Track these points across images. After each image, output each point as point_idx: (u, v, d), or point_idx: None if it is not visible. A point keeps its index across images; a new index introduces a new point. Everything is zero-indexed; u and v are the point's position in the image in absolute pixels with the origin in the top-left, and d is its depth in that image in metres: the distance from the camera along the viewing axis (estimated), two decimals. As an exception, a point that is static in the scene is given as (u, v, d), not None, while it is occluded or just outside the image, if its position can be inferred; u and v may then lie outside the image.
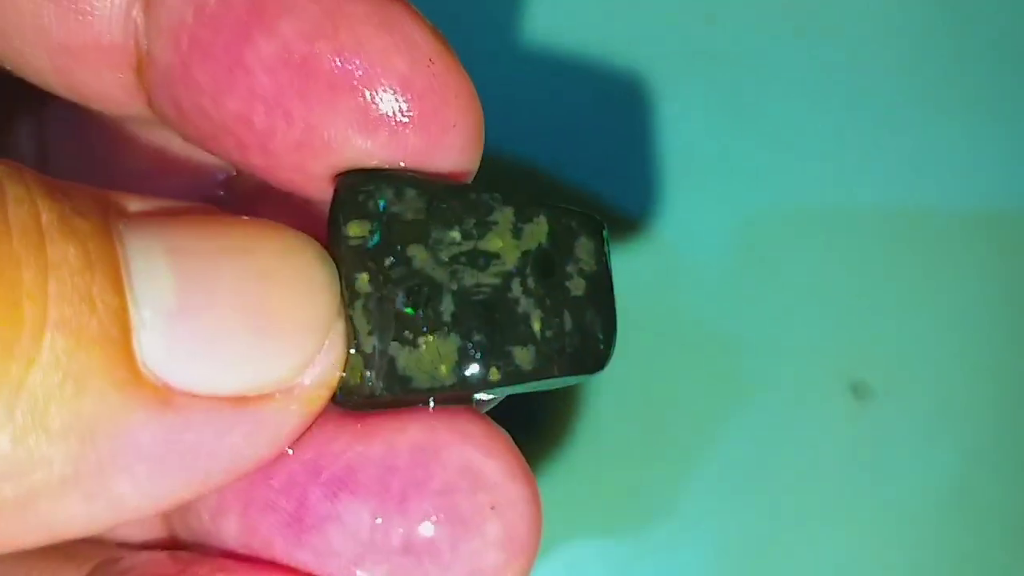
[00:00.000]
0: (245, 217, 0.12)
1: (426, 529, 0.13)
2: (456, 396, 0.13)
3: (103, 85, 0.14)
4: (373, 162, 0.13)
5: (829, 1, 0.31)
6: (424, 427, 0.13)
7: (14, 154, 0.17)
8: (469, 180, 0.14)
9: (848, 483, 0.29)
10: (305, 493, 0.13)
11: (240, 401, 0.11)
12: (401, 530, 0.13)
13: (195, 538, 0.14)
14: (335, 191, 0.13)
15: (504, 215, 0.13)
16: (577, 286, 0.13)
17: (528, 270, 0.13)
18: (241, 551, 0.13)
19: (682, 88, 0.30)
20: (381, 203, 0.13)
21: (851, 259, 0.30)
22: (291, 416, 0.12)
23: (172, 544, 0.14)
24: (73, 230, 0.10)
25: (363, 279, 0.13)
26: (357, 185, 0.13)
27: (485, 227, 0.13)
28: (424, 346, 0.13)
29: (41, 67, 0.14)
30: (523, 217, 0.13)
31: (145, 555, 0.14)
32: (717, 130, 0.30)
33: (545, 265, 0.13)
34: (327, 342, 0.12)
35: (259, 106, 0.13)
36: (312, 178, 0.13)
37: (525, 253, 0.13)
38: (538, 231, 0.13)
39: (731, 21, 0.31)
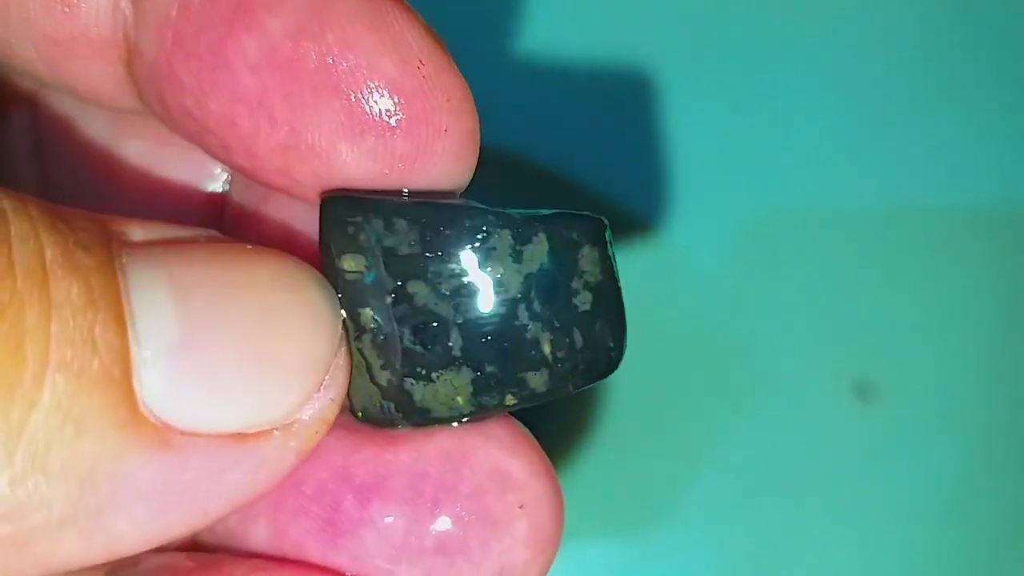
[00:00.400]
0: (249, 246, 0.12)
1: (459, 530, 0.13)
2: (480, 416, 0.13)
3: (93, 78, 0.14)
4: (361, 172, 0.12)
5: (831, 3, 0.31)
6: (452, 432, 0.13)
7: (9, 149, 0.17)
8: (463, 188, 0.13)
9: (851, 484, 0.29)
10: (338, 499, 0.13)
11: (239, 438, 0.11)
12: (435, 532, 0.13)
13: (220, 541, 0.14)
14: (321, 215, 0.13)
15: (502, 239, 0.13)
16: (584, 300, 0.13)
17: (532, 294, 0.13)
18: (272, 553, 0.13)
19: (686, 88, 0.30)
20: (373, 236, 0.12)
21: (855, 259, 0.30)
22: (289, 452, 0.12)
23: (194, 546, 0.14)
24: (76, 266, 0.10)
25: (367, 314, 0.12)
26: (344, 214, 0.12)
27: (484, 254, 0.12)
28: (438, 381, 0.13)
29: (29, 59, 0.14)
30: (521, 238, 0.13)
31: (168, 556, 0.14)
32: (720, 131, 0.30)
33: (549, 287, 0.13)
34: (327, 378, 0.12)
35: (242, 108, 0.12)
36: (298, 183, 0.13)
37: (528, 277, 0.13)
38: (538, 251, 0.13)
39: (734, 21, 0.31)
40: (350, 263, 0.12)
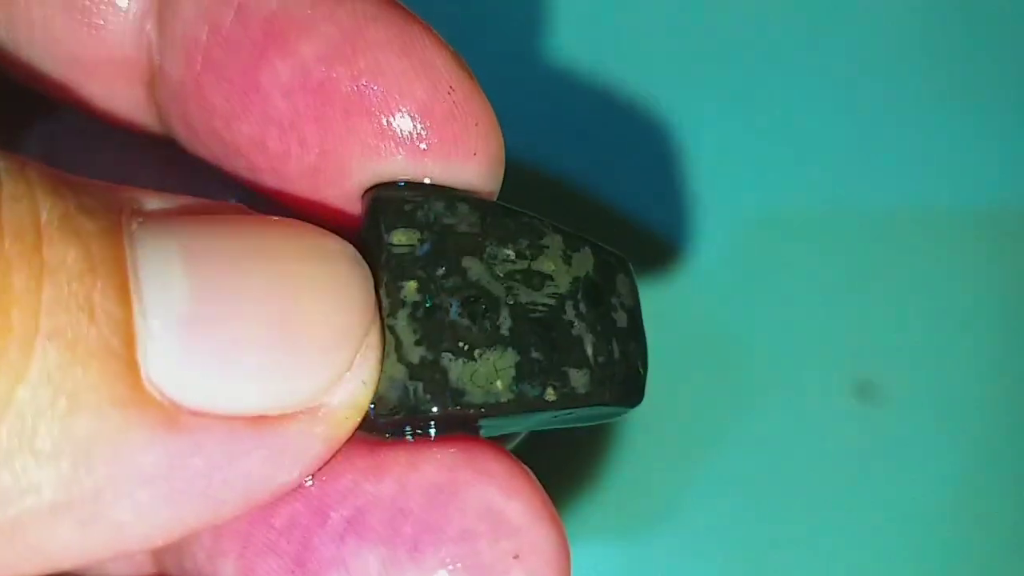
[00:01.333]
0: (276, 218, 0.11)
1: None
2: (463, 421, 0.13)
3: (114, 99, 0.14)
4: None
5: (833, 4, 0.31)
6: (441, 464, 0.12)
7: (26, 155, 0.17)
8: None
9: (854, 485, 0.29)
10: (309, 535, 0.12)
11: (258, 422, 0.10)
12: None
13: None
14: (371, 202, 0.13)
15: (555, 240, 0.13)
16: (621, 318, 0.13)
17: (580, 295, 0.13)
18: None
19: (689, 90, 0.30)
20: (432, 214, 0.12)
21: (856, 260, 0.30)
22: (315, 440, 0.10)
23: None
24: (76, 230, 0.09)
25: (411, 287, 0.12)
26: (401, 195, 0.12)
27: (538, 249, 0.13)
28: (480, 360, 0.12)
29: (52, 79, 0.14)
30: (572, 245, 0.13)
31: None
32: (721, 132, 0.30)
33: (595, 293, 0.13)
34: (358, 357, 0.11)
35: (273, 130, 0.12)
36: (326, 204, 0.13)
37: (576, 279, 0.13)
38: (585, 261, 0.13)
39: (737, 23, 0.31)
40: (400, 237, 0.12)
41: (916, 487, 0.29)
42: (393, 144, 0.12)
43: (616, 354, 0.13)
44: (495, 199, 0.13)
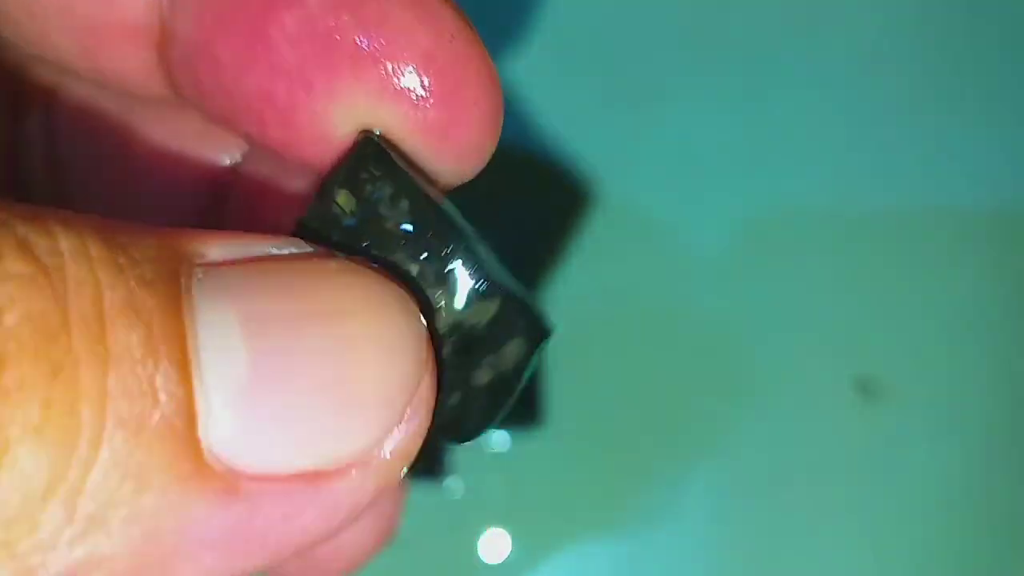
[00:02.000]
0: (333, 263, 0.11)
1: None
2: None
3: (125, 64, 0.14)
4: (394, 141, 0.13)
5: (832, 5, 0.31)
6: None
7: (25, 145, 0.17)
8: (480, 167, 0.14)
9: (855, 481, 0.29)
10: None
11: (313, 479, 0.10)
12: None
13: None
14: (353, 148, 0.13)
15: (465, 280, 0.13)
16: (481, 376, 0.13)
17: (453, 338, 0.13)
18: None
19: (690, 88, 0.31)
20: (375, 197, 0.13)
21: (857, 258, 0.31)
22: (367, 492, 0.10)
23: None
24: (137, 309, 0.09)
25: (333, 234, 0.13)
26: (369, 162, 0.13)
27: (443, 279, 0.13)
28: None
29: (64, 47, 0.14)
30: (481, 294, 0.13)
31: None
32: (725, 129, 0.31)
33: (468, 343, 0.13)
34: (409, 409, 0.11)
35: (281, 81, 0.13)
36: (331, 149, 0.13)
37: (457, 324, 0.13)
38: (483, 314, 0.13)
39: (738, 23, 0.31)
40: (343, 198, 0.13)
41: (918, 482, 0.30)
42: (397, 91, 0.13)
43: (453, 402, 0.13)
44: (489, 155, 0.14)
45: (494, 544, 0.29)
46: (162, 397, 0.09)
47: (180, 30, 0.13)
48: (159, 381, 0.09)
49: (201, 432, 0.09)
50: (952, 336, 0.30)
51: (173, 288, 0.10)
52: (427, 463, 0.29)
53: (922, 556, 0.29)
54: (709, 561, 0.29)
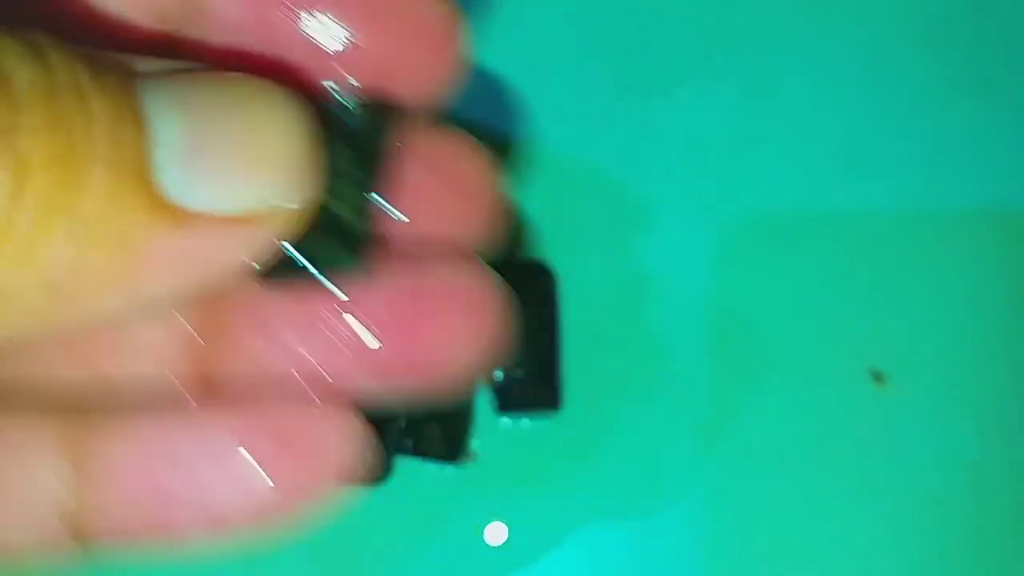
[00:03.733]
0: (239, 75, 0.14)
1: None
2: None
3: None
4: None
5: (834, 4, 0.32)
6: None
7: None
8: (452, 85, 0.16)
9: (866, 468, 0.30)
10: None
11: (238, 221, 0.13)
12: None
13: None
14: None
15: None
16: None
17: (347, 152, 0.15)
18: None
19: (695, 83, 0.31)
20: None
21: (869, 250, 0.30)
22: (273, 232, 0.14)
23: None
24: (104, 87, 0.12)
25: None
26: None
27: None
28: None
29: None
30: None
31: None
32: (737, 119, 0.31)
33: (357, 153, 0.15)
34: (301, 174, 0.14)
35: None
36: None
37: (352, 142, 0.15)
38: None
39: (735, 21, 0.31)
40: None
41: (930, 470, 0.30)
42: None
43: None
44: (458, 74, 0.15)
45: (499, 529, 0.29)
46: (128, 147, 0.12)
47: None
48: (126, 136, 0.12)
49: (155, 176, 0.13)
50: (965, 324, 0.30)
51: (128, 78, 0.13)
52: (449, 447, 0.30)
53: (935, 539, 0.29)
54: (723, 545, 0.29)
